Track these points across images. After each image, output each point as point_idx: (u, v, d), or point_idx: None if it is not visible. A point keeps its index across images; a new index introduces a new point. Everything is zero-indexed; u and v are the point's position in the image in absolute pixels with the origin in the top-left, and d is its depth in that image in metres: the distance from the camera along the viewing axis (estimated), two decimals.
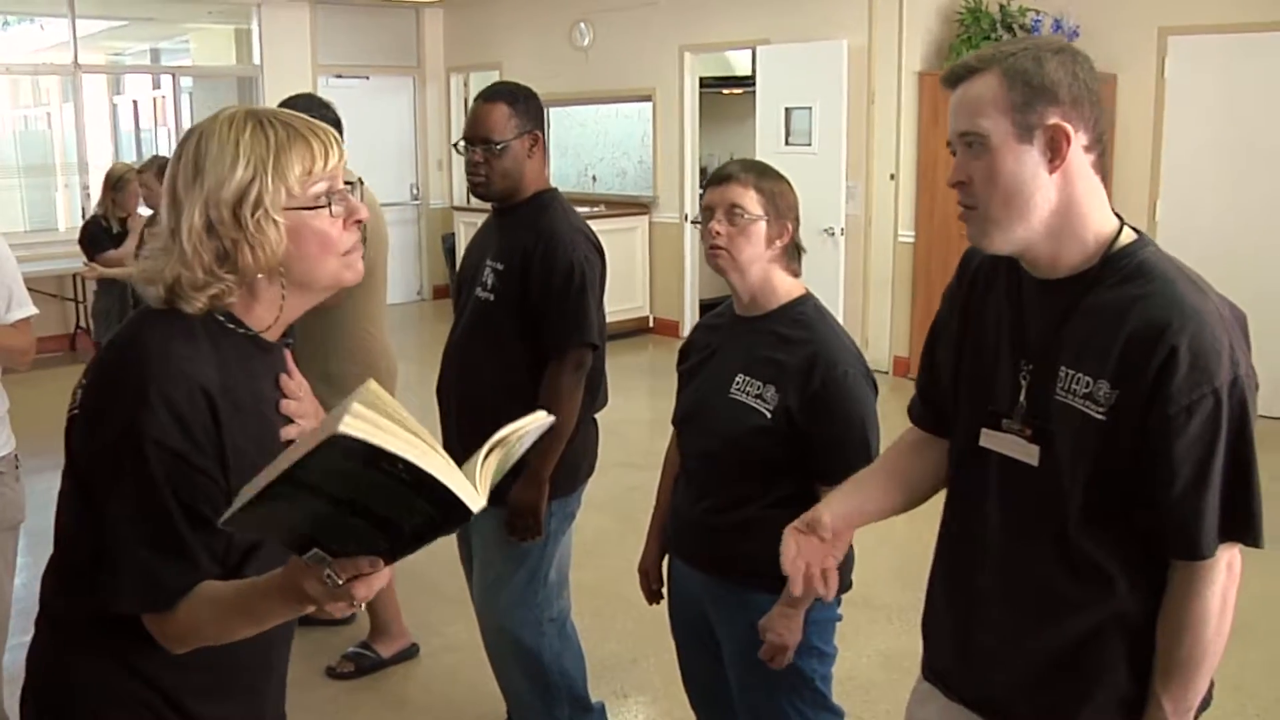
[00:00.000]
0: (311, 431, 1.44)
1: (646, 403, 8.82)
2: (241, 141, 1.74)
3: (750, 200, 2.75)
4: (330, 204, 1.79)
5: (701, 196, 2.83)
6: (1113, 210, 1.96)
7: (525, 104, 3.51)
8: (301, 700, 4.41)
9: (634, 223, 11.78)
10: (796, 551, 2.15)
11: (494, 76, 13.08)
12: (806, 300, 2.83)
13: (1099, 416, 1.85)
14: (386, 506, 1.44)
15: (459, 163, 13.74)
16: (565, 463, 3.45)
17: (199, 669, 1.84)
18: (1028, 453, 1.96)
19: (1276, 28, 7.99)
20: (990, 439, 2.03)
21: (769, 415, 2.70)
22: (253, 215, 1.73)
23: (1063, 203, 1.89)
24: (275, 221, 1.74)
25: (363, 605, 1.63)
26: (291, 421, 1.92)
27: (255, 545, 1.82)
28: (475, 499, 1.44)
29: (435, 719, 4.43)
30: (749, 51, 12.39)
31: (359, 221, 1.84)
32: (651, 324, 11.92)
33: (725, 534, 2.81)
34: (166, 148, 15.08)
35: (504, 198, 3.53)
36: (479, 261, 3.58)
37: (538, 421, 1.62)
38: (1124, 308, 1.85)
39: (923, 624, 2.28)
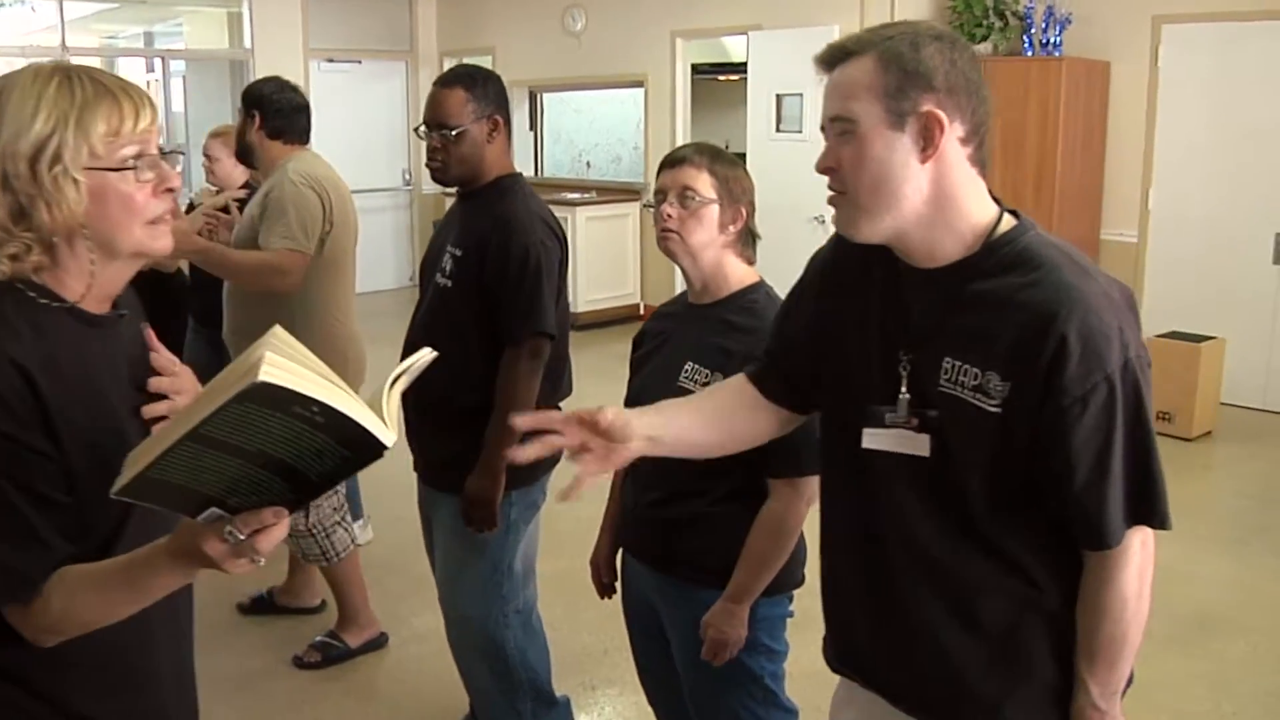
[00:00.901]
0: (210, 390, 1.38)
1: None
2: (45, 95, 1.65)
3: (703, 183, 2.69)
4: (137, 167, 1.70)
5: (656, 178, 2.77)
6: (991, 195, 1.91)
7: (484, 87, 3.43)
8: (268, 689, 4.43)
9: (625, 209, 11.73)
10: (562, 424, 2.02)
11: (487, 62, 13.03)
12: (759, 288, 2.78)
13: (992, 409, 1.80)
14: (295, 454, 1.41)
15: None
16: None
17: (75, 665, 1.74)
18: (917, 444, 1.91)
19: (1269, 16, 7.96)
20: (874, 439, 1.96)
21: None
22: (50, 170, 1.63)
23: (935, 194, 1.83)
24: (75, 180, 1.65)
25: (261, 561, 1.54)
26: (148, 397, 1.83)
27: (122, 521, 1.74)
28: (387, 434, 1.42)
29: (403, 710, 4.38)
30: (744, 37, 12.38)
31: (170, 190, 1.74)
32: (642, 310, 11.80)
33: (671, 529, 2.77)
34: (165, 134, 15.05)
35: (463, 183, 3.48)
36: (441, 247, 3.52)
37: (428, 356, 1.61)
38: (1009, 297, 1.80)
39: (827, 619, 2.21)
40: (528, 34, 12.52)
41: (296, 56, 12.60)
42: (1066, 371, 1.74)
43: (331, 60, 12.95)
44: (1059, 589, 1.90)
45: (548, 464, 3.54)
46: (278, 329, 1.40)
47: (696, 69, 11.64)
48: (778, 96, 10.00)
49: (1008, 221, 1.88)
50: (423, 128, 3.46)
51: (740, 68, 12.84)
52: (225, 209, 4.58)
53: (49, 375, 1.64)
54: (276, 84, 4.42)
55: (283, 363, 1.33)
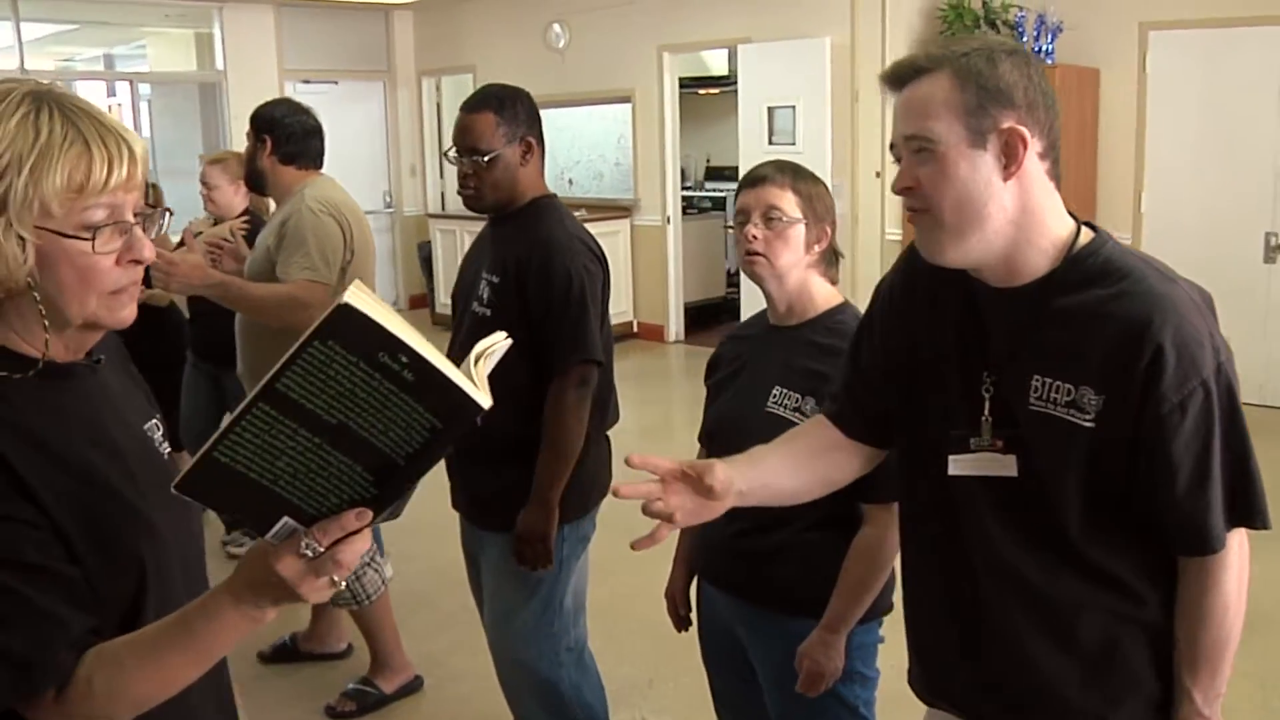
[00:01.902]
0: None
1: (634, 411, 8.63)
2: (4, 126, 1.38)
3: (788, 202, 2.60)
4: (95, 237, 1.42)
5: (735, 199, 2.67)
6: (1068, 211, 1.89)
7: (514, 109, 3.29)
8: None
9: (616, 226, 11.62)
10: (661, 490, 1.94)
11: (467, 80, 12.95)
12: (846, 308, 2.69)
13: (1086, 424, 1.78)
14: (380, 426, 1.29)
15: (433, 169, 13.89)
16: (576, 484, 3.26)
17: None
18: (1004, 465, 1.89)
19: (1255, 22, 7.99)
20: (960, 464, 1.93)
21: None
22: None
23: (1018, 210, 1.81)
24: (20, 238, 1.38)
25: (342, 583, 1.37)
26: (140, 447, 1.62)
27: (141, 589, 1.51)
28: (482, 395, 1.30)
29: None
30: (724, 51, 12.35)
31: (136, 262, 1.48)
32: (635, 329, 11.75)
33: (760, 558, 2.67)
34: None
35: (498, 209, 3.34)
36: (474, 274, 3.40)
37: (506, 341, 1.43)
38: (1098, 309, 1.79)
39: (916, 650, 2.17)
40: (509, 51, 12.40)
41: (271, 78, 12.42)
42: (1164, 380, 1.72)
43: (307, 81, 12.78)
44: (1157, 599, 1.88)
45: (598, 495, 3.44)
46: (358, 281, 1.26)
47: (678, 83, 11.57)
48: (769, 109, 9.94)
49: (1086, 234, 1.87)
50: (452, 153, 3.33)
51: (721, 81, 12.88)
52: (225, 238, 4.43)
53: (15, 440, 1.41)
54: (288, 106, 4.26)
55: (369, 300, 1.22)
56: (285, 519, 1.34)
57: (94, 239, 1.43)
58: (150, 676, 1.43)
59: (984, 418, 1.89)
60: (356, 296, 1.20)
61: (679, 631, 3.09)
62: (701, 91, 13.02)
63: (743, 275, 10.24)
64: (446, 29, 13.30)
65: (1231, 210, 8.29)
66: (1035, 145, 1.79)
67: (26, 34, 11.63)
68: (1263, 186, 8.15)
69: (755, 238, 2.60)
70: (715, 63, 12.94)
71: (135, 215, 1.48)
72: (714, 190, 13.42)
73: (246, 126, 4.28)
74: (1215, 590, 1.83)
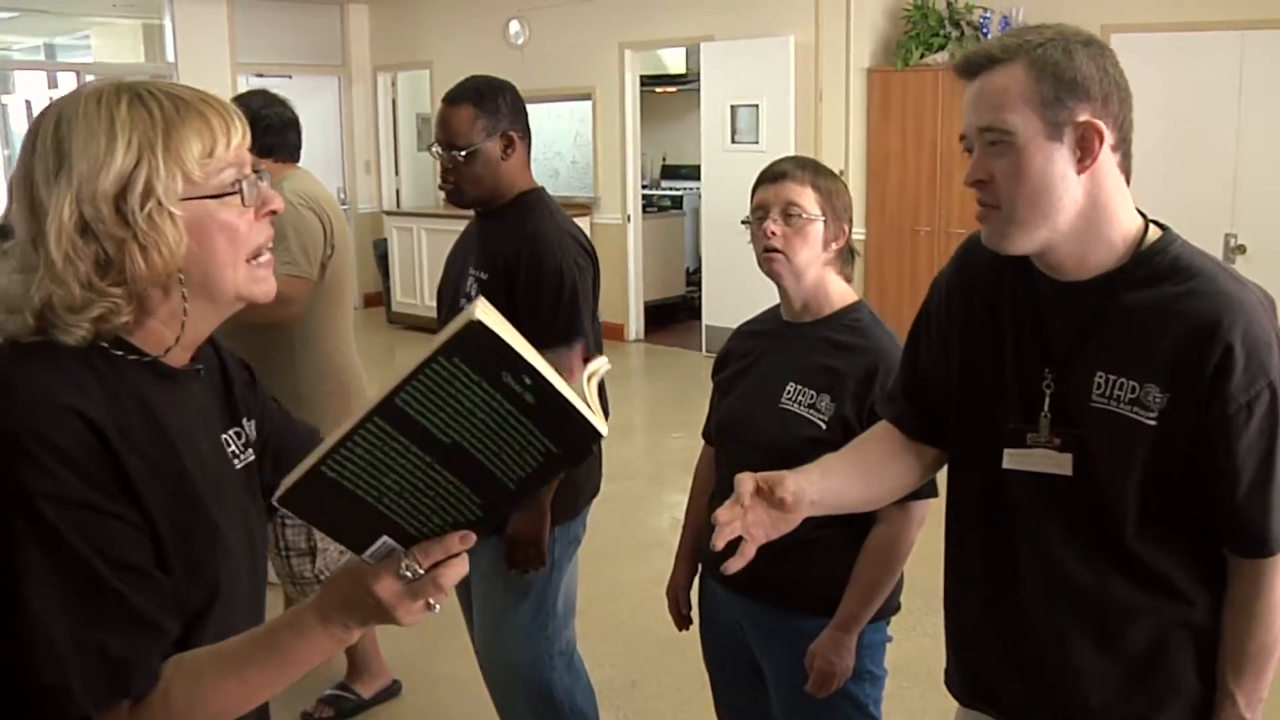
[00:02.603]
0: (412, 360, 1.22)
1: None
2: (118, 117, 1.39)
3: (807, 199, 2.57)
4: (242, 191, 1.47)
5: (752, 195, 2.62)
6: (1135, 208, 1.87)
7: (496, 102, 3.22)
8: None
9: (580, 223, 11.48)
10: (734, 513, 1.91)
11: (423, 76, 12.89)
12: (861, 306, 2.67)
13: (1149, 421, 1.77)
14: (495, 449, 1.26)
15: (388, 165, 13.75)
16: (567, 484, 3.20)
17: None
18: (1060, 463, 1.87)
19: (1215, 26, 8.07)
20: (1015, 459, 1.92)
21: (824, 426, 2.53)
22: (142, 208, 1.38)
23: (1090, 203, 1.79)
24: (172, 214, 1.40)
25: (438, 607, 1.33)
26: (221, 459, 1.60)
27: (199, 618, 1.48)
28: (601, 422, 1.28)
29: None
30: (682, 50, 12.32)
31: (273, 212, 1.53)
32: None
33: (770, 555, 2.61)
34: None
35: (480, 203, 3.28)
36: (461, 270, 3.34)
37: (606, 365, 1.42)
38: (1166, 307, 1.77)
39: (956, 649, 2.16)
40: (467, 47, 12.30)
41: (224, 70, 12.24)
42: (1232, 380, 1.71)
43: (260, 75, 12.55)
44: (1206, 602, 1.87)
45: (589, 494, 3.40)
46: (484, 299, 1.23)
47: None
48: (732, 108, 9.93)
49: (1154, 231, 1.85)
50: (436, 147, 3.26)
51: (678, 79, 12.86)
52: None
53: (124, 436, 1.40)
54: (264, 98, 4.16)
55: (497, 318, 1.19)
56: (384, 538, 1.31)
57: (240, 193, 1.47)
58: (230, 690, 1.41)
59: (1043, 414, 1.87)
60: (486, 313, 1.17)
61: (680, 630, 3.05)
62: (659, 90, 13.00)
63: (703, 275, 10.35)
64: (403, 23, 13.18)
65: (1191, 211, 8.22)
66: (1109, 138, 1.77)
67: None
68: (1222, 188, 8.21)
69: (774, 234, 2.56)
70: (673, 61, 12.91)
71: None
72: (671, 189, 13.40)
73: None
74: (1267, 593, 1.81)
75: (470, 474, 1.27)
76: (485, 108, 3.19)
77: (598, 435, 1.27)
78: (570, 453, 1.29)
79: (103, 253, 1.39)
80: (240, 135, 1.48)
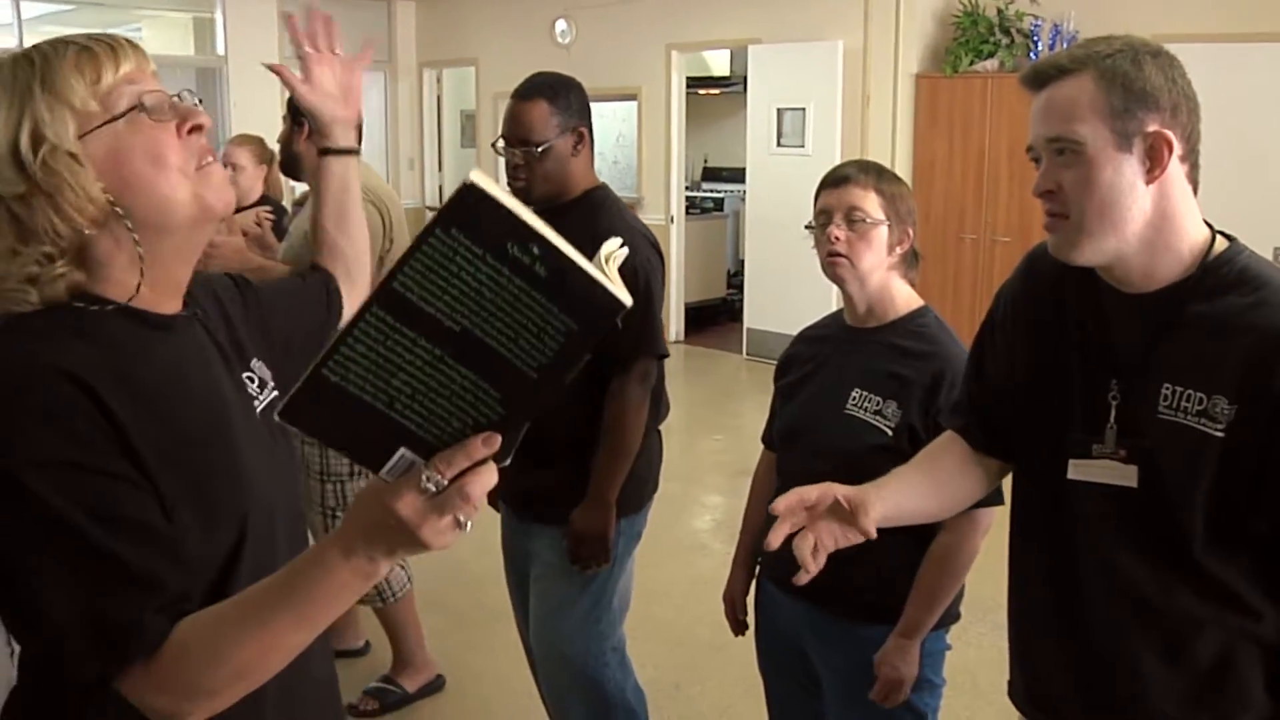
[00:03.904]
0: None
1: None
2: (1, 77, 1.38)
3: (871, 203, 2.56)
4: (145, 107, 1.39)
5: (815, 199, 2.61)
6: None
7: (567, 98, 3.22)
8: None
9: None
10: (814, 540, 1.95)
11: (469, 74, 12.91)
12: (927, 311, 2.66)
13: (1217, 433, 1.74)
14: (510, 333, 1.13)
15: (431, 161, 13.76)
16: (632, 479, 3.21)
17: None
18: (1125, 475, 1.84)
19: (1267, 38, 8.01)
20: (1080, 469, 1.90)
21: (889, 432, 2.52)
22: (35, 156, 1.34)
23: (1158, 214, 1.78)
24: (71, 154, 1.35)
25: (469, 525, 1.19)
26: (243, 401, 1.56)
27: (231, 563, 1.44)
28: (623, 292, 1.14)
29: None
30: (726, 52, 12.30)
31: (198, 127, 1.44)
32: None
33: (833, 561, 2.60)
34: None
35: (548, 201, 3.25)
36: None
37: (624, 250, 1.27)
38: (1235, 318, 1.75)
39: (1019, 660, 2.14)
40: (513, 46, 12.33)
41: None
42: None
43: None
44: (1275, 616, 1.83)
45: (653, 488, 3.40)
46: (477, 168, 1.11)
47: None
48: (779, 111, 9.90)
49: (1221, 241, 1.83)
50: (500, 143, 3.25)
51: (721, 81, 12.83)
52: (251, 225, 4.37)
53: (116, 389, 1.34)
54: None
55: (491, 181, 1.08)
56: (402, 450, 1.19)
57: (142, 108, 1.40)
58: (252, 640, 1.30)
59: (1109, 425, 1.86)
60: (480, 177, 1.06)
61: (736, 635, 3.03)
62: (702, 91, 12.96)
63: (745, 278, 10.33)
64: (449, 20, 13.22)
65: (1243, 223, 8.05)
66: (1177, 148, 1.76)
67: (25, 12, 11.53)
68: (1271, 200, 8.13)
69: (838, 239, 2.55)
70: (717, 63, 12.91)
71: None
72: (713, 191, 13.39)
73: (247, 113, 4.20)
74: None
75: (486, 365, 1.15)
76: (559, 104, 3.18)
77: (621, 305, 1.14)
78: (592, 328, 1.15)
79: (11, 213, 1.36)
80: (131, 62, 1.43)
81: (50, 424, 1.29)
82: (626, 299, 1.14)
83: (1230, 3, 8.11)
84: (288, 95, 4.13)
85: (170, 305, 1.51)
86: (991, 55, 8.90)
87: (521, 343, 1.14)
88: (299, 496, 1.74)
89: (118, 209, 1.39)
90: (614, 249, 1.21)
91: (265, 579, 1.32)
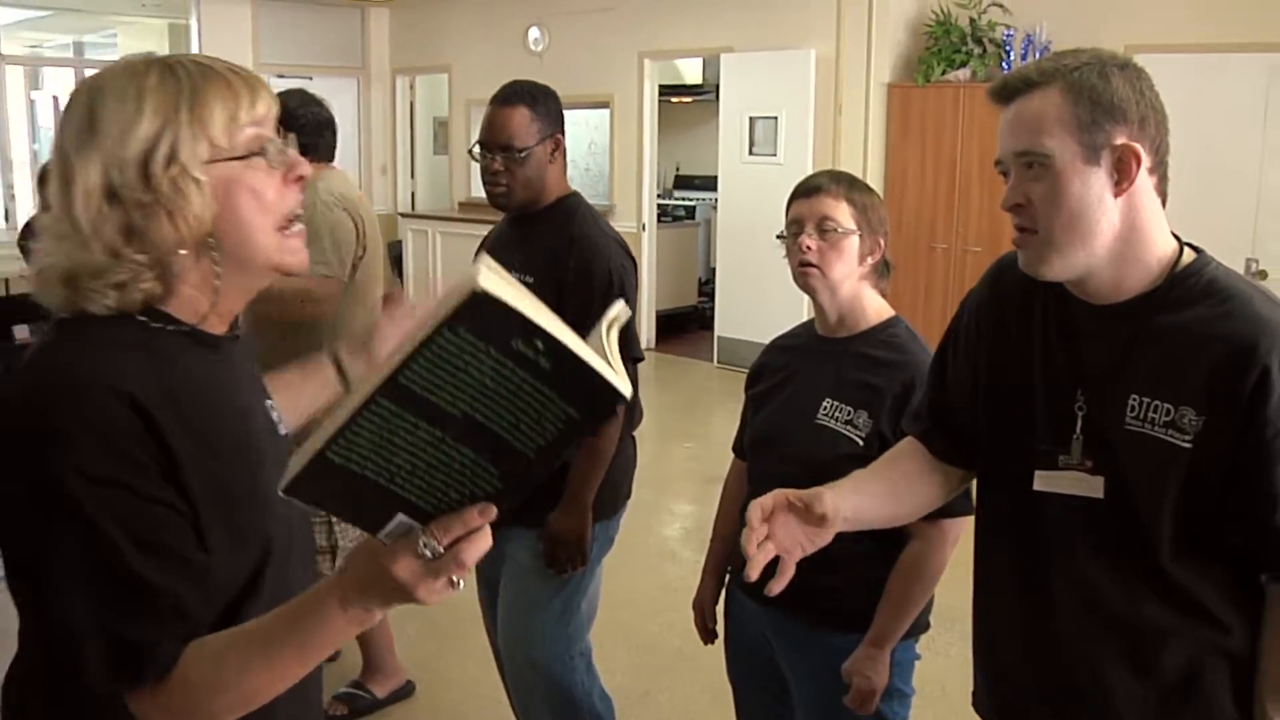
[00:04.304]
0: (406, 336, 1.12)
1: None
2: (145, 88, 1.43)
3: (842, 213, 2.56)
4: (266, 152, 1.48)
5: (787, 209, 2.62)
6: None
7: (547, 105, 3.25)
8: None
9: None
10: (766, 531, 1.92)
11: (442, 80, 12.91)
12: (898, 321, 2.67)
13: (1184, 445, 1.74)
14: (510, 418, 1.17)
15: (404, 167, 13.73)
16: (609, 483, 3.23)
17: None
18: (1091, 486, 1.84)
19: (1241, 49, 8.05)
20: (1046, 480, 1.90)
21: (860, 442, 2.52)
22: (166, 172, 1.40)
23: (1126, 227, 1.78)
24: (196, 180, 1.42)
25: (460, 584, 1.27)
26: (267, 426, 1.63)
27: (253, 584, 1.50)
28: (623, 383, 1.17)
29: None
30: (699, 60, 12.33)
31: (301, 178, 1.52)
32: None
33: (803, 570, 2.61)
34: None
35: (525, 206, 3.28)
36: None
37: (627, 311, 1.32)
38: (1202, 330, 1.75)
39: (985, 669, 2.14)
40: (486, 53, 12.33)
41: None
42: (1270, 404, 1.68)
43: (282, 76, 12.58)
44: (1242, 628, 1.84)
45: (627, 493, 3.42)
46: (485, 256, 1.15)
47: None
48: (751, 119, 9.92)
49: (1189, 253, 1.84)
50: (477, 149, 3.26)
51: (694, 89, 12.86)
52: None
53: (169, 411, 1.40)
54: (301, 97, 4.17)
55: (502, 283, 1.09)
56: (400, 516, 1.24)
57: (264, 154, 1.47)
58: (253, 672, 1.38)
59: (1075, 436, 1.86)
60: (489, 279, 1.07)
61: (706, 644, 3.03)
62: (674, 100, 13.00)
63: (716, 286, 10.34)
64: (423, 27, 13.20)
65: (1213, 235, 8.12)
66: (1146, 160, 1.76)
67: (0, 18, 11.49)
68: (1244, 212, 8.17)
69: (810, 248, 2.55)
70: (689, 71, 12.94)
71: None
72: (685, 199, 13.41)
73: None
74: None
75: (486, 446, 1.19)
76: (539, 110, 3.21)
77: (620, 397, 1.18)
78: (591, 417, 1.21)
79: (128, 219, 1.41)
80: (265, 103, 1.49)
81: (104, 443, 1.35)
82: (626, 390, 1.17)
83: (1203, 13, 8.15)
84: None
85: (220, 328, 1.57)
86: (964, 65, 8.94)
87: (522, 427, 1.18)
88: (308, 514, 1.77)
89: (211, 238, 1.46)
90: (617, 313, 1.27)
91: (269, 615, 1.39)
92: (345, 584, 1.32)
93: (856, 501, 2.03)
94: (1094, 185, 1.75)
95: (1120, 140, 1.74)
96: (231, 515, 1.46)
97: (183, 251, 1.45)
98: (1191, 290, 1.79)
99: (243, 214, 1.47)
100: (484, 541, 1.26)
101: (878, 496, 2.13)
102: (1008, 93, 1.82)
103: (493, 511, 1.25)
